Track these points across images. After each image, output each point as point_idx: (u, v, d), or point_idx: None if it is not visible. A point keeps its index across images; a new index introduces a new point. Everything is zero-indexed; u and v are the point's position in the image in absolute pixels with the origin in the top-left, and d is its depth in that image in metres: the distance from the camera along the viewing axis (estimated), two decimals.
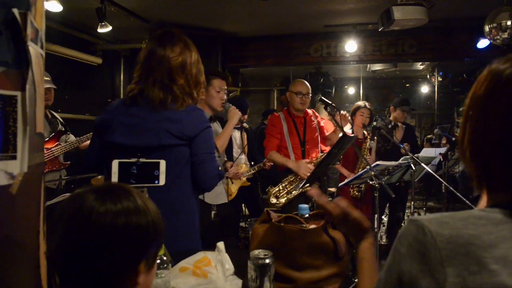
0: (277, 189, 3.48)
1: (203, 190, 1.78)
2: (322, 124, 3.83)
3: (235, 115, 2.67)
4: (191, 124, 1.70)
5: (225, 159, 3.13)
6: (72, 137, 3.79)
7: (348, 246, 1.48)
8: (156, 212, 0.92)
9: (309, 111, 3.78)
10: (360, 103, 4.27)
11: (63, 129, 3.69)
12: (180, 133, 1.67)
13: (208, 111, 2.85)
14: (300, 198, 3.36)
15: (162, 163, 1.61)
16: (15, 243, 1.07)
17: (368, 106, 4.26)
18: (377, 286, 0.80)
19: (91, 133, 3.56)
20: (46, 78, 3.45)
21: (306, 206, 1.55)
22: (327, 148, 3.79)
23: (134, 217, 0.85)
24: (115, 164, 1.52)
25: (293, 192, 3.43)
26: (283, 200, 3.43)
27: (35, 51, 1.13)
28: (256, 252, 1.37)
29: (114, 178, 1.52)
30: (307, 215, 1.54)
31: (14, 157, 1.00)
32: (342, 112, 3.46)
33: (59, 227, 0.85)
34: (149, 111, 1.68)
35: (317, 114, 3.84)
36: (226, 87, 2.93)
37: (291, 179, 3.47)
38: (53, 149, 3.50)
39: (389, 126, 4.75)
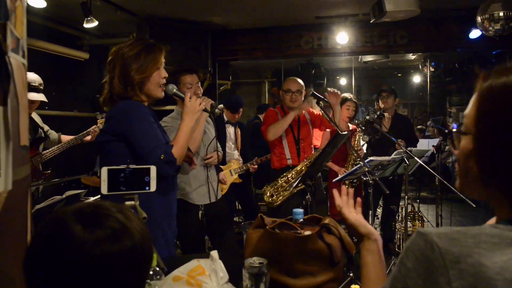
0: (272, 188, 3.47)
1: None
2: (316, 113, 3.79)
3: (206, 104, 2.64)
4: (117, 120, 1.88)
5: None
6: (54, 135, 3.67)
7: (343, 251, 1.47)
8: (141, 226, 0.88)
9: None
10: (346, 95, 4.22)
11: (43, 135, 3.56)
12: (110, 130, 1.88)
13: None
14: (295, 197, 3.36)
15: (153, 169, 1.58)
16: (3, 259, 1.05)
17: (354, 99, 4.23)
18: None
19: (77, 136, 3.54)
20: (34, 85, 3.33)
21: (300, 211, 1.53)
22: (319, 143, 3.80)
23: (126, 240, 0.82)
24: (104, 171, 1.49)
25: (289, 190, 3.42)
26: (280, 198, 3.43)
27: (17, 62, 1.10)
28: (250, 260, 1.35)
29: (104, 185, 1.49)
30: (301, 220, 1.53)
31: None
32: (332, 90, 3.41)
33: (40, 257, 0.79)
34: None
35: (309, 109, 3.82)
36: (197, 81, 2.86)
37: (288, 177, 3.46)
38: (32, 159, 3.33)
39: (375, 116, 4.69)
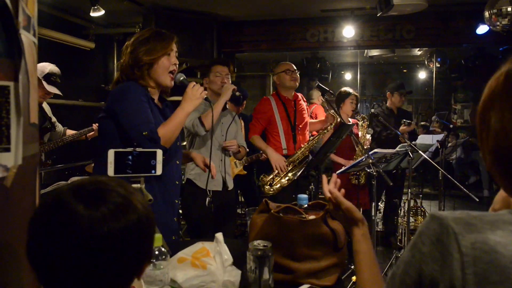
0: (270, 177, 3.48)
1: None
2: (312, 108, 3.84)
3: (227, 89, 2.75)
4: (111, 98, 1.95)
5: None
6: (60, 128, 3.70)
7: (347, 236, 1.48)
8: (141, 197, 0.88)
9: (299, 94, 3.77)
10: (348, 89, 4.24)
11: (49, 125, 3.58)
12: (105, 107, 1.97)
13: (214, 98, 2.88)
14: (296, 187, 3.37)
15: (159, 153, 1.59)
16: (11, 237, 1.06)
17: (355, 93, 4.25)
18: (392, 283, 0.76)
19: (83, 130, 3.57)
20: (56, 78, 3.36)
21: (305, 196, 1.55)
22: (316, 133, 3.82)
23: (132, 214, 0.81)
24: (111, 153, 1.51)
25: (286, 179, 3.43)
26: (276, 187, 3.45)
27: (28, 39, 1.11)
28: (255, 243, 1.37)
29: (110, 167, 1.50)
30: (306, 205, 1.54)
31: (7, 149, 0.99)
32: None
33: (42, 240, 0.77)
34: None
35: (305, 99, 3.85)
36: (227, 72, 3.05)
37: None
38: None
39: (386, 113, 4.74)
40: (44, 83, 3.29)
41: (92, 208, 0.77)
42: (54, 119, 3.69)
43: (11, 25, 0.99)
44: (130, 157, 1.54)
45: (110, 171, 1.50)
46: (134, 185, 1.54)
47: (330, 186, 1.25)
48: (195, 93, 2.05)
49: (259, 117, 3.59)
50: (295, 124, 3.60)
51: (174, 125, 1.95)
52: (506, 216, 0.69)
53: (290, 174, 3.43)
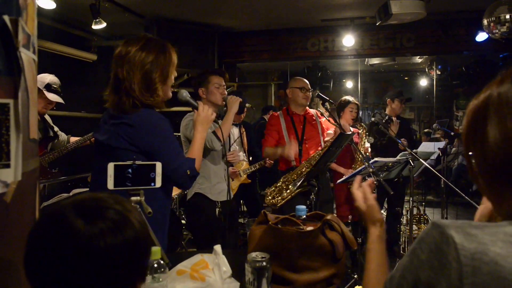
0: (273, 188, 3.49)
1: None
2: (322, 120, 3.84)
3: (234, 102, 2.77)
4: (143, 132, 1.80)
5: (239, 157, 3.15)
6: (64, 137, 3.73)
7: (345, 247, 1.49)
8: (139, 215, 0.89)
9: (312, 110, 3.80)
10: (348, 97, 4.27)
11: (52, 134, 3.61)
12: (129, 139, 1.79)
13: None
14: (297, 197, 3.37)
15: (158, 165, 1.61)
16: (11, 252, 1.08)
17: (356, 101, 4.27)
18: (390, 284, 0.78)
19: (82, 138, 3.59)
20: (55, 87, 3.41)
21: (303, 207, 1.55)
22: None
23: (128, 230, 0.82)
24: (110, 167, 1.52)
25: (290, 190, 3.44)
26: (280, 199, 3.45)
27: (27, 57, 1.13)
28: (253, 254, 1.37)
29: (110, 181, 1.52)
30: (304, 216, 1.55)
31: (7, 166, 1.00)
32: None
33: (42, 254, 0.79)
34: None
35: (319, 115, 3.84)
36: (224, 83, 3.03)
37: (288, 178, 3.48)
38: (40, 158, 3.39)
39: (384, 121, 4.75)
40: (45, 92, 3.33)
41: (90, 223, 0.79)
42: (56, 128, 3.72)
43: (10, 44, 1.01)
44: (129, 170, 1.55)
45: (110, 184, 1.51)
46: (133, 198, 1.55)
47: (361, 184, 1.28)
48: (207, 114, 2.07)
49: (269, 130, 3.67)
50: (303, 138, 3.63)
51: (199, 152, 1.99)
52: (506, 227, 0.69)
53: (289, 189, 3.44)
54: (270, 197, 3.47)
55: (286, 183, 3.45)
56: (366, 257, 1.15)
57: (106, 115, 1.92)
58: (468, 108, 0.82)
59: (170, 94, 2.01)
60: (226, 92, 3.01)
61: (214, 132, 2.76)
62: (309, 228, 1.43)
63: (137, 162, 1.57)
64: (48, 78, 3.39)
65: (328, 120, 3.38)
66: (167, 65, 1.88)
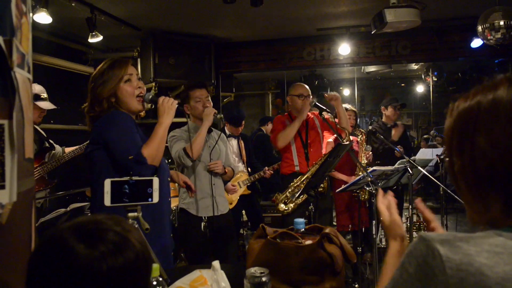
0: (284, 195, 3.47)
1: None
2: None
3: (208, 115, 2.78)
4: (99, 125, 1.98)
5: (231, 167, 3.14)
6: (58, 149, 3.74)
7: (345, 259, 1.48)
8: (139, 235, 0.90)
9: (310, 114, 3.81)
10: (345, 105, 4.28)
11: (48, 145, 3.63)
12: (93, 140, 1.99)
13: (199, 123, 2.89)
14: (299, 206, 3.37)
15: (155, 180, 1.60)
16: (7, 273, 1.07)
17: (353, 108, 4.28)
18: None
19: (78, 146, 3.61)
20: (44, 95, 3.48)
21: (301, 220, 1.55)
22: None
23: (129, 251, 0.83)
24: (107, 183, 1.51)
25: (301, 197, 3.42)
26: (291, 205, 3.44)
27: (22, 77, 1.13)
28: (252, 270, 1.36)
29: (107, 197, 1.51)
30: (302, 230, 1.54)
31: (2, 187, 1.00)
32: (329, 95, 3.61)
33: (42, 277, 0.79)
34: None
35: (316, 114, 3.86)
36: (207, 95, 3.01)
37: (297, 183, 3.46)
38: (38, 168, 3.42)
39: (388, 126, 4.77)
40: (37, 103, 3.38)
41: (90, 247, 0.79)
42: (51, 141, 3.74)
43: (5, 65, 1.01)
44: (126, 186, 1.55)
45: (107, 201, 1.51)
46: (131, 214, 1.54)
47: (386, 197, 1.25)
48: (167, 105, 2.06)
49: (278, 128, 3.66)
50: (307, 142, 3.64)
51: (157, 142, 1.96)
52: (491, 237, 0.70)
53: (301, 196, 3.42)
54: (281, 203, 3.45)
55: (297, 189, 3.44)
56: (382, 270, 1.14)
57: None
58: (454, 110, 0.82)
59: (139, 106, 2.08)
60: (209, 104, 2.98)
61: (184, 149, 2.74)
62: (308, 242, 1.42)
63: (134, 178, 1.57)
64: (36, 88, 3.45)
65: (330, 126, 3.38)
66: (111, 76, 2.02)
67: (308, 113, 3.75)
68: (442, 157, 4.62)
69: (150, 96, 2.15)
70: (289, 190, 3.46)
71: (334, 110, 3.62)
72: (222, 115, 2.89)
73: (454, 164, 0.80)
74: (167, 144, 2.47)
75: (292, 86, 3.79)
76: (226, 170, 3.03)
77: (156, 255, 2.00)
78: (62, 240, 0.80)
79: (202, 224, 2.83)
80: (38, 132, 3.63)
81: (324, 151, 3.77)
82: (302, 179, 3.42)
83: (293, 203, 3.41)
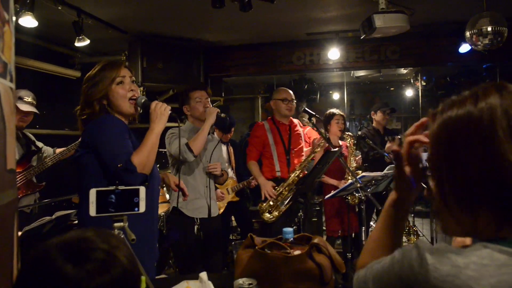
0: (268, 204, 3.47)
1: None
2: (306, 131, 3.88)
3: (211, 113, 2.77)
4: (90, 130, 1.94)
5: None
6: (49, 150, 3.71)
7: (334, 270, 1.48)
8: (127, 250, 0.89)
9: (295, 120, 3.82)
10: (333, 110, 4.30)
11: (35, 149, 3.59)
12: (83, 144, 1.95)
13: (198, 124, 2.90)
14: (285, 213, 3.37)
15: (142, 190, 1.58)
16: None
17: (341, 113, 4.30)
18: (370, 271, 0.83)
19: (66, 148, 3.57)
20: (28, 99, 3.43)
21: (290, 230, 1.54)
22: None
23: (116, 268, 0.83)
24: (92, 193, 1.49)
25: (285, 203, 3.42)
26: (276, 213, 3.44)
27: (4, 86, 1.11)
28: (240, 281, 1.36)
29: (92, 207, 1.49)
30: (291, 239, 1.54)
31: None
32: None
33: None
34: None
35: (301, 124, 3.88)
36: (206, 96, 3.05)
37: (280, 190, 3.47)
38: (24, 172, 3.39)
39: (372, 133, 4.80)
40: (18, 104, 3.33)
41: (77, 266, 0.79)
42: (41, 144, 3.72)
43: None
44: (112, 195, 1.53)
45: (92, 211, 1.49)
46: (116, 224, 1.52)
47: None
48: (159, 110, 2.02)
49: (254, 142, 3.66)
50: (289, 148, 3.65)
51: (148, 150, 1.91)
52: (479, 250, 0.70)
53: (285, 202, 3.42)
54: (266, 212, 3.44)
55: (281, 196, 3.44)
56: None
57: None
58: (437, 115, 0.81)
59: (131, 109, 2.03)
60: (209, 105, 3.02)
61: (186, 144, 2.72)
62: (297, 252, 1.42)
63: (120, 187, 1.55)
64: (21, 92, 3.42)
65: (320, 133, 3.40)
66: (102, 78, 1.99)
67: (293, 119, 3.79)
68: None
69: (143, 100, 2.11)
70: (269, 200, 3.46)
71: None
72: (225, 115, 2.90)
73: (440, 172, 0.79)
74: (162, 150, 2.45)
75: (276, 90, 3.83)
76: (223, 173, 3.05)
77: (145, 264, 1.98)
78: (50, 260, 0.80)
79: (196, 227, 2.81)
80: (26, 136, 3.61)
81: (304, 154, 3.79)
82: (285, 185, 3.43)
83: (278, 211, 3.41)
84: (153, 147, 1.94)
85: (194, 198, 2.90)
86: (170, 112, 2.06)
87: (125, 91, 2.01)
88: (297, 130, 3.79)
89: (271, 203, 3.44)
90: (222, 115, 2.86)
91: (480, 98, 0.76)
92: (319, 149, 3.65)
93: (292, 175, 3.47)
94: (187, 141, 2.77)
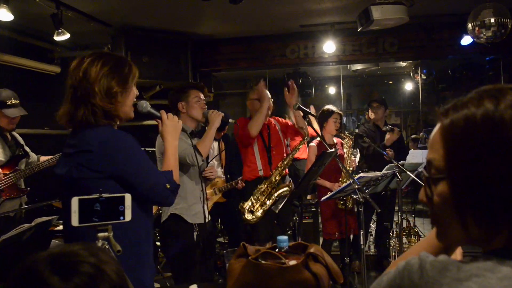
0: (249, 203, 3.49)
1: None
2: (289, 122, 3.98)
3: (216, 117, 2.76)
4: (105, 156, 1.75)
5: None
6: (34, 157, 3.74)
7: (331, 280, 1.48)
8: (115, 265, 0.91)
9: (271, 119, 3.91)
10: (331, 107, 4.30)
11: (22, 152, 3.61)
12: (92, 166, 1.75)
13: (190, 124, 2.88)
14: (273, 213, 3.41)
15: (127, 197, 1.57)
16: None
17: (339, 111, 4.31)
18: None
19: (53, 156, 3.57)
20: (16, 101, 3.45)
21: (285, 238, 1.54)
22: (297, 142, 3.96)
23: (104, 283, 0.84)
24: (74, 202, 1.47)
25: (267, 203, 3.47)
26: (258, 214, 3.46)
27: None
28: None
29: (75, 217, 1.47)
30: (286, 248, 1.54)
31: None
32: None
33: None
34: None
35: (278, 118, 4.00)
36: (203, 98, 3.05)
37: (262, 189, 3.51)
38: (10, 175, 3.42)
39: (372, 129, 4.82)
40: (3, 110, 3.34)
41: (65, 280, 0.81)
42: (28, 149, 3.75)
43: None
44: (96, 204, 1.52)
45: (74, 221, 1.47)
46: (101, 234, 1.51)
47: None
48: (174, 123, 2.03)
49: (242, 122, 3.71)
50: (270, 146, 3.74)
51: (175, 162, 1.97)
52: (481, 262, 0.71)
53: (268, 202, 3.45)
54: (247, 213, 3.47)
55: (263, 195, 3.48)
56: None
57: (65, 146, 1.89)
58: (448, 114, 0.79)
59: (133, 114, 1.94)
60: (206, 107, 3.02)
61: (194, 147, 2.70)
62: (292, 262, 1.42)
63: (104, 195, 1.53)
64: (1, 94, 3.41)
65: (317, 133, 3.43)
66: (127, 74, 1.85)
67: (270, 118, 3.87)
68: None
69: (149, 108, 2.09)
70: (254, 197, 3.49)
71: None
72: (234, 121, 2.93)
73: (453, 187, 0.76)
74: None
75: (251, 90, 3.91)
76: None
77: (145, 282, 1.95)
78: (37, 273, 0.82)
79: (195, 234, 2.80)
80: (15, 138, 3.68)
81: (305, 156, 3.82)
82: (267, 184, 3.48)
83: (260, 211, 3.44)
84: (177, 160, 2.01)
85: (193, 203, 2.90)
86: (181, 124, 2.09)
87: (135, 95, 1.92)
88: (275, 128, 3.92)
89: (253, 202, 3.47)
90: (231, 120, 2.90)
91: (500, 98, 0.74)
92: (301, 146, 3.82)
93: (275, 172, 3.54)
94: (190, 143, 2.73)
